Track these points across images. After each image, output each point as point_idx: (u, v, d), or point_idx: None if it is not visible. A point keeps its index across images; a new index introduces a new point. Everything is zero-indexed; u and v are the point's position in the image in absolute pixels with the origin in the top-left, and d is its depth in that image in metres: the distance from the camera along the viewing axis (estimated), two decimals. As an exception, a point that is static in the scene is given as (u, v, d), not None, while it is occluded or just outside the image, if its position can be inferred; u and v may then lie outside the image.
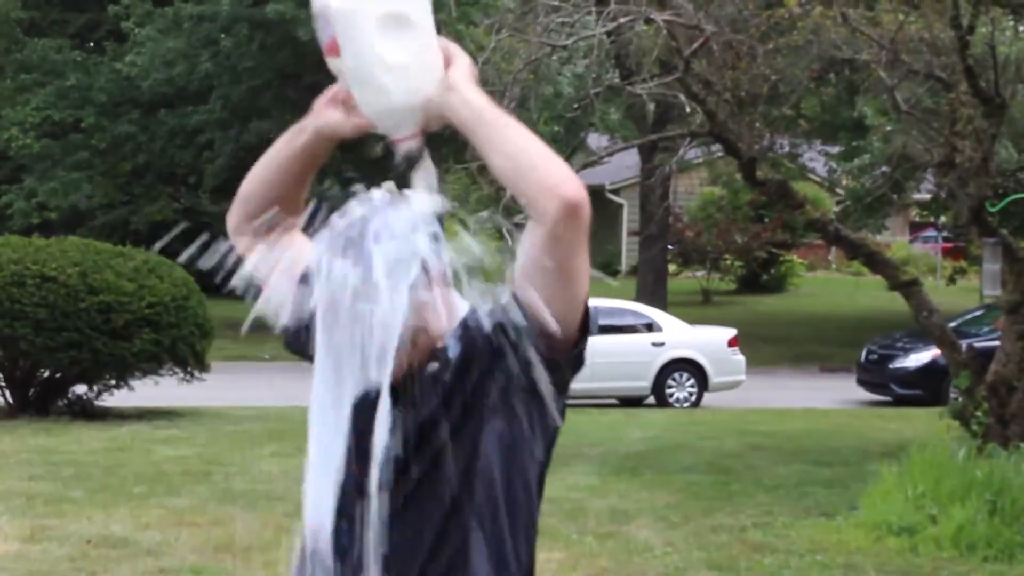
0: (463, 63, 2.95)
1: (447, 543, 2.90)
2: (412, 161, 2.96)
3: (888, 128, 20.72)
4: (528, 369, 2.88)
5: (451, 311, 2.95)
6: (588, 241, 2.84)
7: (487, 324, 2.91)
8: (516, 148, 2.82)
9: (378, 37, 2.88)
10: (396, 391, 2.91)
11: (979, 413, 13.86)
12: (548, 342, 2.86)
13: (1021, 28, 19.62)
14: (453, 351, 2.92)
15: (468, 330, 2.93)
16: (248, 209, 3.18)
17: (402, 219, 2.87)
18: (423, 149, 2.97)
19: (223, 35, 35.39)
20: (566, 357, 2.92)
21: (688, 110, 17.18)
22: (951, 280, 36.07)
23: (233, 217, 3.22)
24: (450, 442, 2.90)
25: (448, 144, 24.88)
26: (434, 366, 2.92)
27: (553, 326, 2.84)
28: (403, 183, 2.97)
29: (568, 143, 34.64)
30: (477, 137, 2.87)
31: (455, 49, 2.98)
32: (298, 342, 3.13)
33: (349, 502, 2.91)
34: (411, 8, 2.91)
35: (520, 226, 2.89)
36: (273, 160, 3.14)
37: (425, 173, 2.95)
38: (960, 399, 14.57)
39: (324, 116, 3.04)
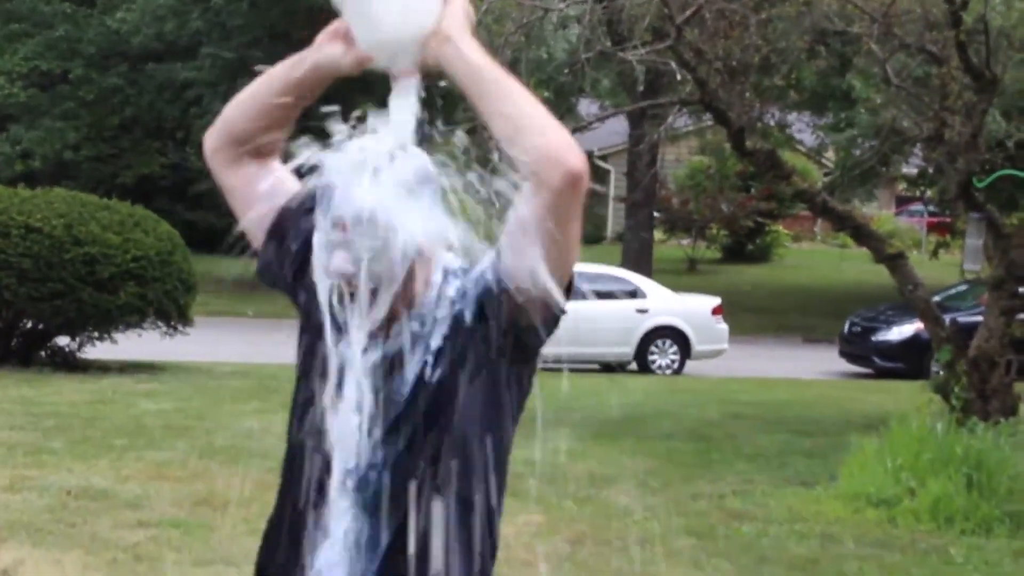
0: (457, 5, 2.88)
1: (420, 509, 2.88)
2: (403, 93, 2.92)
3: (878, 100, 20.68)
4: (509, 333, 2.87)
5: (436, 268, 2.95)
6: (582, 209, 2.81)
7: (473, 287, 2.91)
8: (517, 111, 2.77)
9: None
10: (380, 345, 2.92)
11: (959, 388, 13.90)
12: (531, 307, 2.84)
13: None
14: (440, 313, 2.91)
15: (455, 292, 2.92)
16: (232, 133, 3.12)
17: (412, 168, 2.88)
18: (415, 85, 2.91)
19: (213, -9, 35.29)
20: (545, 321, 2.89)
21: (679, 78, 17.15)
22: (934, 254, 36.11)
23: (213, 138, 3.15)
24: (432, 405, 2.89)
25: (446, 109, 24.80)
26: (415, 326, 2.91)
27: (557, 296, 2.83)
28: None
29: (558, 108, 34.62)
30: (474, 95, 2.81)
31: None
32: (271, 271, 3.13)
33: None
34: None
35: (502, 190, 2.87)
36: (266, 89, 3.07)
37: (405, 104, 2.91)
38: (942, 373, 14.60)
39: (324, 50, 2.98)
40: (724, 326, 24.79)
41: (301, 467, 2.98)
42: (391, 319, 2.90)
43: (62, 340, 18.97)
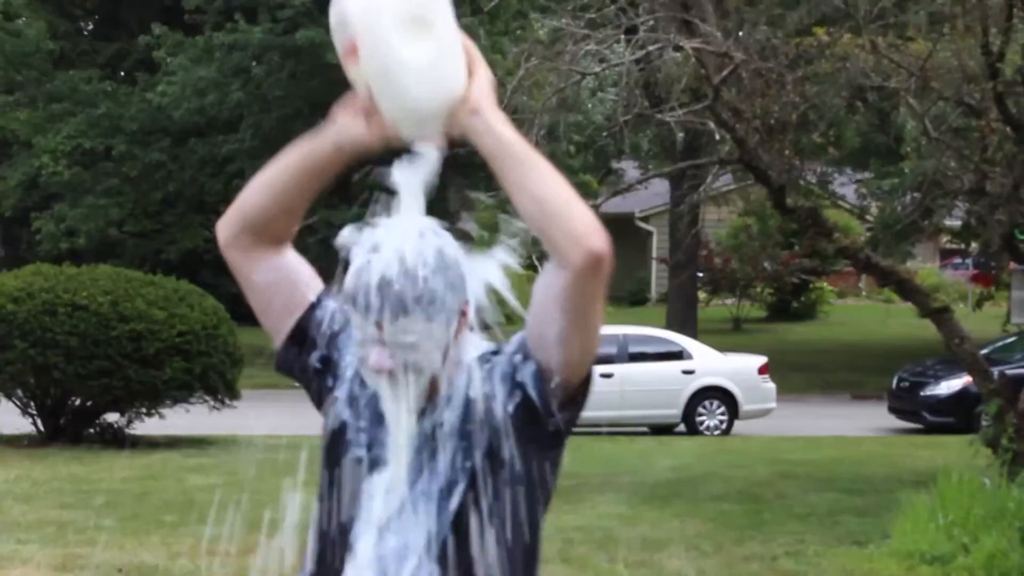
0: (483, 77, 2.86)
1: None
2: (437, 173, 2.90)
3: (922, 145, 20.66)
4: (538, 417, 2.85)
5: (463, 353, 2.92)
6: (605, 292, 2.79)
7: (501, 371, 2.88)
8: (544, 190, 2.75)
9: (398, 38, 2.82)
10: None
11: (1007, 440, 13.78)
12: (557, 390, 2.83)
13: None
14: (470, 399, 2.88)
15: (483, 377, 2.89)
16: (248, 220, 3.03)
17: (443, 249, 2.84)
18: (428, 158, 2.89)
19: (254, 64, 35.53)
20: (568, 405, 2.88)
21: (718, 138, 17.18)
22: (977, 305, 35.82)
23: (229, 228, 3.06)
24: (467, 494, 2.87)
25: (481, 169, 24.91)
26: (445, 417, 2.88)
27: (580, 378, 2.84)
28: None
29: (598, 171, 34.69)
30: (501, 170, 2.79)
31: (476, 55, 2.89)
32: (291, 368, 3.12)
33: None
34: (431, 11, 2.86)
35: (545, 256, 2.87)
36: (284, 172, 3.00)
37: (415, 179, 2.88)
38: (991, 426, 14.50)
39: (345, 128, 2.92)
40: (771, 385, 24.67)
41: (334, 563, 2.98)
42: (424, 407, 2.88)
43: (111, 417, 19.03)
